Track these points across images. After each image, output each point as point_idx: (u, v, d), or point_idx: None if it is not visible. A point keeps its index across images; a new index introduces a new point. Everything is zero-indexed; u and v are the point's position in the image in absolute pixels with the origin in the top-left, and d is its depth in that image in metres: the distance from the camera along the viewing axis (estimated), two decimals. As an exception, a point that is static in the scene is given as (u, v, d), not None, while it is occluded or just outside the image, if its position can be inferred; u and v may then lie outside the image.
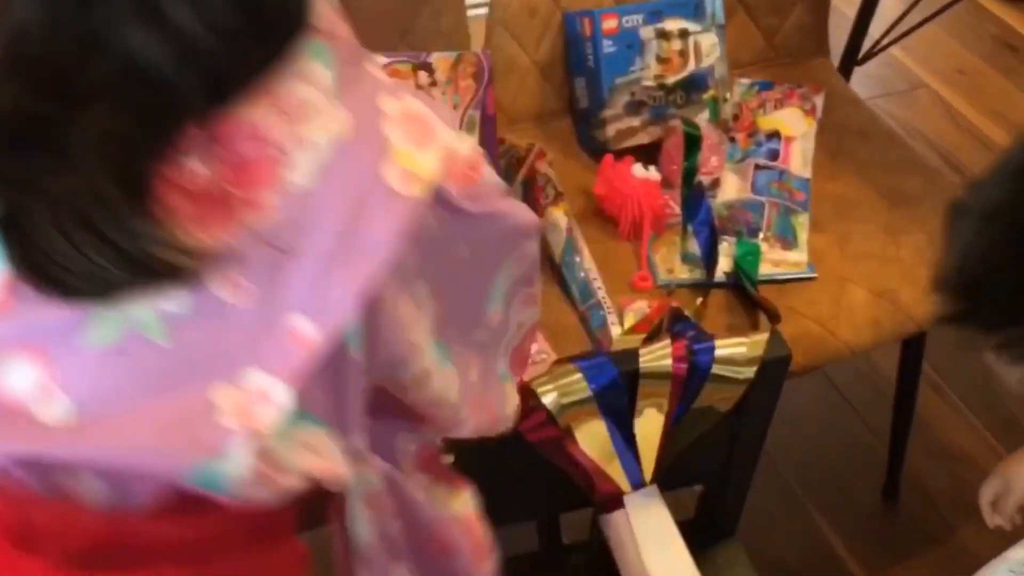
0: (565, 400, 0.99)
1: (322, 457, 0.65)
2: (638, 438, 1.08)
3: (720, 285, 1.28)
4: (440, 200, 0.66)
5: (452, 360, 0.73)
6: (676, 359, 1.05)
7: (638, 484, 1.11)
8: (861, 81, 2.67)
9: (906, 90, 2.67)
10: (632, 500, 1.12)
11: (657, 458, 1.10)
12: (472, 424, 0.79)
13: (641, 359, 1.04)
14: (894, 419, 1.67)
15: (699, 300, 1.24)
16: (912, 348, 1.53)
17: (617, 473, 1.11)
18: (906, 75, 2.70)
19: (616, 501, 1.11)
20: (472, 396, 0.77)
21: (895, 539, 1.76)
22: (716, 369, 1.07)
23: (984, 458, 1.85)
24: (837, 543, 1.74)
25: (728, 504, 1.25)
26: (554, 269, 1.28)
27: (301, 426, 0.63)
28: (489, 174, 0.70)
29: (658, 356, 1.06)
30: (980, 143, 2.49)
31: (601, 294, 1.23)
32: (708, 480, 1.23)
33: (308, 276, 0.61)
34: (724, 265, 1.29)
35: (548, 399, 0.98)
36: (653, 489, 1.13)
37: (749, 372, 1.07)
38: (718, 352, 1.07)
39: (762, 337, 1.09)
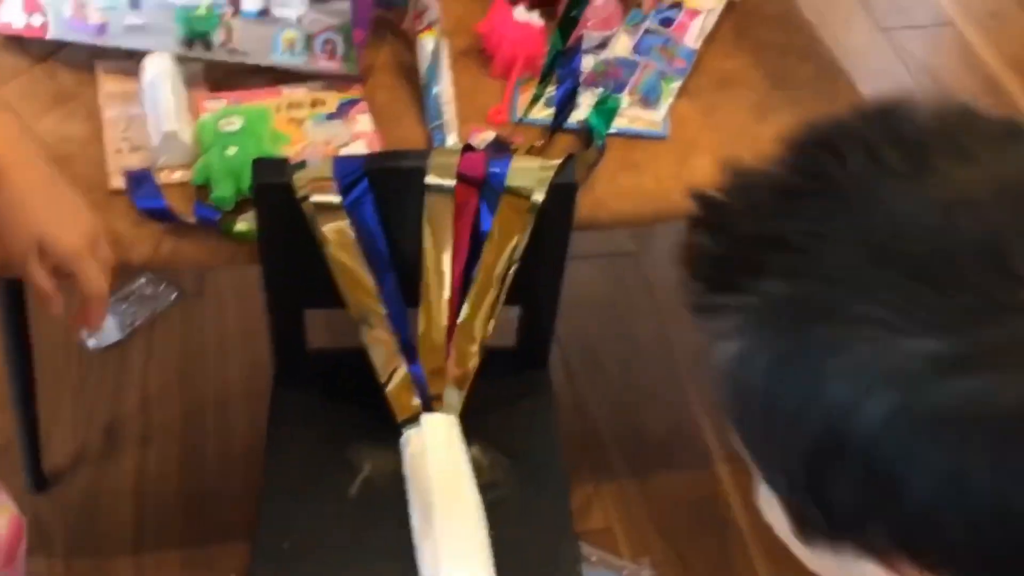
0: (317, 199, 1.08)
1: None
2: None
3: (570, 131, 1.33)
4: None
5: None
6: (466, 165, 1.12)
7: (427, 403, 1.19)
8: (885, 9, 2.63)
9: (930, 25, 2.61)
10: (428, 420, 1.19)
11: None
12: None
13: (431, 157, 1.12)
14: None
15: (539, 142, 1.30)
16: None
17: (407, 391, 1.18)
18: (935, 10, 2.64)
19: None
20: None
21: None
22: (510, 182, 1.13)
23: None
24: (707, 426, 1.79)
25: (540, 332, 1.32)
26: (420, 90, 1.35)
27: None
28: None
29: (445, 162, 1.12)
30: (990, 89, 2.43)
31: (448, 117, 1.30)
32: (523, 303, 1.30)
33: None
34: (581, 114, 1.34)
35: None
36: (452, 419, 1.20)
37: (539, 194, 1.13)
38: (512, 165, 1.14)
39: (555, 162, 1.15)
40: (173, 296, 1.89)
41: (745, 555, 1.63)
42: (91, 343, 1.81)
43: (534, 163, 1.13)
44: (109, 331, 1.82)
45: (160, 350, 1.83)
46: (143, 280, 1.89)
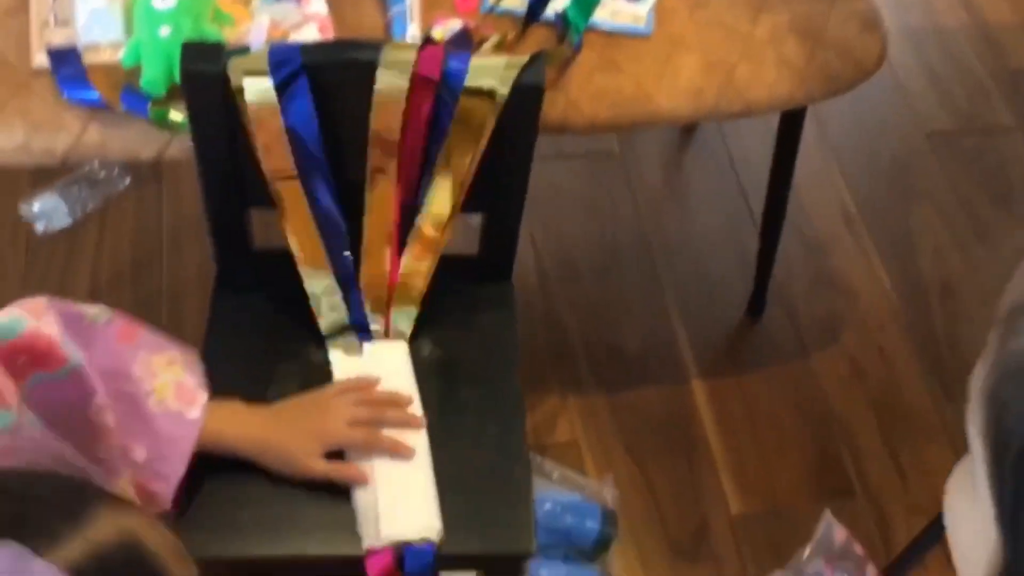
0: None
1: None
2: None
3: (546, 23, 1.21)
4: None
5: None
6: (424, 63, 1.01)
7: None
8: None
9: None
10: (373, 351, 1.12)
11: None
12: None
13: (384, 52, 1.00)
14: (765, 211, 1.61)
15: (511, 33, 1.18)
16: (787, 135, 1.47)
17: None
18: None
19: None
20: None
21: (744, 349, 1.73)
22: (470, 81, 1.02)
23: (871, 300, 1.79)
24: (683, 340, 1.71)
25: (504, 240, 1.23)
26: (382, -28, 1.22)
27: None
28: None
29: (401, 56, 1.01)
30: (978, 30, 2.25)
31: (411, 2, 1.18)
32: (486, 210, 1.20)
33: None
34: (559, 4, 1.22)
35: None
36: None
37: (502, 92, 1.02)
38: (473, 62, 1.02)
39: (522, 59, 1.03)
40: (127, 180, 1.79)
41: (714, 479, 1.57)
42: (39, 227, 1.72)
43: (499, 61, 1.02)
44: (58, 215, 1.72)
45: (112, 237, 1.74)
46: (95, 162, 1.78)
